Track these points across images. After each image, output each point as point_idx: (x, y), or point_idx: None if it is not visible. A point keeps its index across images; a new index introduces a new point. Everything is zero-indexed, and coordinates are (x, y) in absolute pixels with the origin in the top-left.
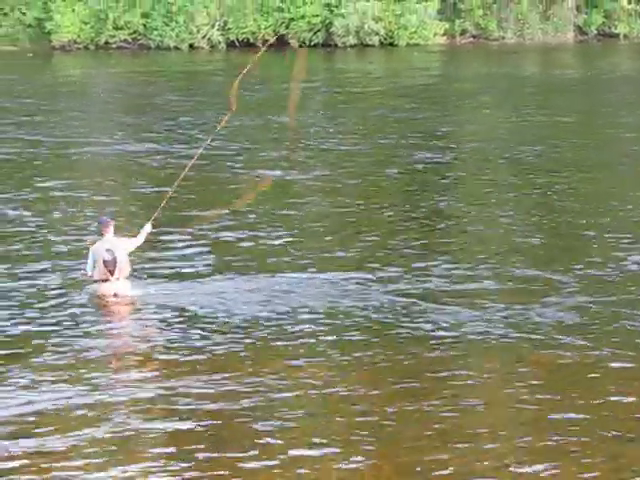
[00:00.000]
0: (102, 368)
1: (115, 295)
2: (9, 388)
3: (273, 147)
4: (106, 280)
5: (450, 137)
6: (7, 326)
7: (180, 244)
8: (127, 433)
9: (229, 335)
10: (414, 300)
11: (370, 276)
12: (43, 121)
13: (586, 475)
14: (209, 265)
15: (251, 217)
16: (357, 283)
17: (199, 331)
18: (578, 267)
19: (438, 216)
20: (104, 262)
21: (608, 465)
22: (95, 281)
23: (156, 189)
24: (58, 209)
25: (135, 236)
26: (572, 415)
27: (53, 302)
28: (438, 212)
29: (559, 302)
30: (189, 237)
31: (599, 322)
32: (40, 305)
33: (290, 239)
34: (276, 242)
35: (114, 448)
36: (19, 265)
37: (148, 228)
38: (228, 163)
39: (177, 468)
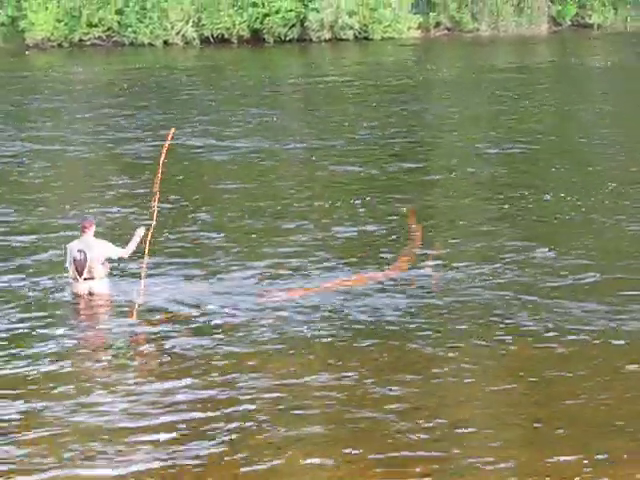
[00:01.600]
0: (72, 369)
1: (90, 294)
2: None
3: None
4: (75, 279)
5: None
6: None
7: (166, 245)
8: (102, 439)
9: (212, 336)
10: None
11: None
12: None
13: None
14: (198, 264)
15: (243, 218)
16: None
17: (175, 333)
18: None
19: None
20: (74, 261)
21: None
22: (72, 279)
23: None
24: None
25: (127, 243)
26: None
27: (33, 298)
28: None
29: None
30: (176, 237)
31: None
32: (19, 301)
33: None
34: (275, 239)
35: (92, 455)
36: (6, 260)
37: (140, 232)
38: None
39: (157, 469)
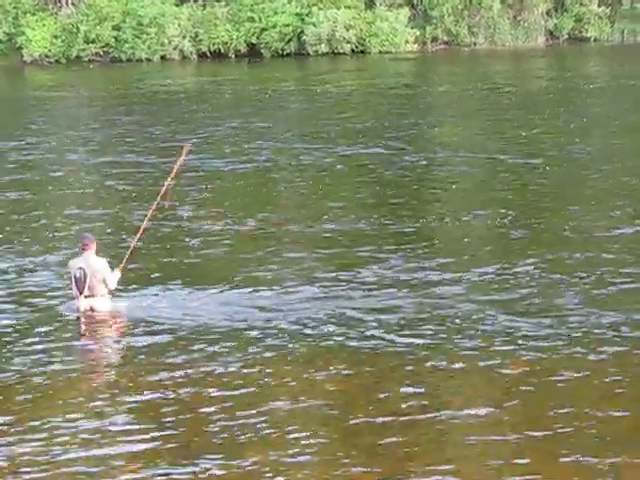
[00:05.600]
0: (70, 386)
1: (92, 310)
2: None
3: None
4: (76, 297)
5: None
6: None
7: (163, 259)
8: (97, 454)
9: (206, 349)
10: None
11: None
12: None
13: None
14: (198, 279)
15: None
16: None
17: (176, 348)
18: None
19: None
20: (75, 279)
21: None
22: (74, 296)
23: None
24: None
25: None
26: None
27: (33, 314)
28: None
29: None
30: (172, 252)
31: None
32: (19, 315)
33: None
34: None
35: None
36: (6, 274)
37: (118, 274)
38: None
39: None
